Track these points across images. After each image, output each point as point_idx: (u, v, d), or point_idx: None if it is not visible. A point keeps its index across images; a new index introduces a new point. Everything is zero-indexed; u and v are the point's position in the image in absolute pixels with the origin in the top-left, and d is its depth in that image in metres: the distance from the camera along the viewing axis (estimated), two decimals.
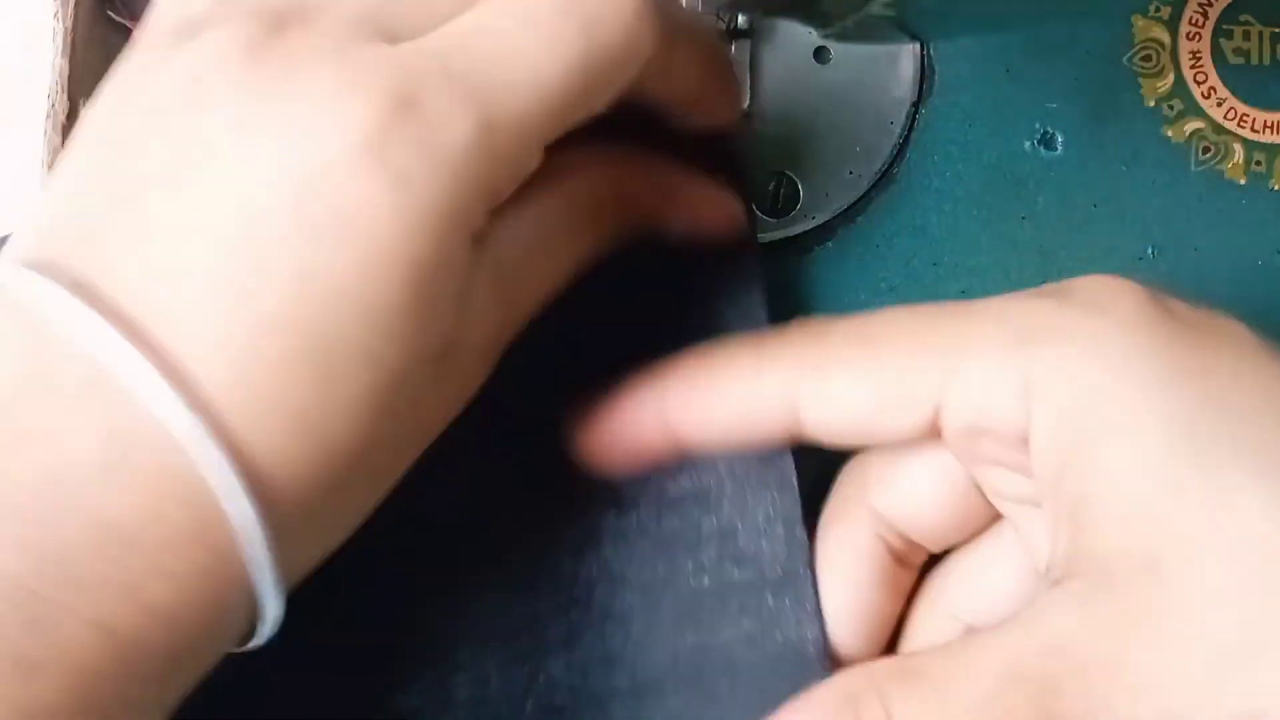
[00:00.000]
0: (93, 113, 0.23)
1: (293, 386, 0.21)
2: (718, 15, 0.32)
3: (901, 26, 0.32)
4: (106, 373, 0.20)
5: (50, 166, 0.31)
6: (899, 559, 0.28)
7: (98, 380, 0.20)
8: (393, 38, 0.23)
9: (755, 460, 0.28)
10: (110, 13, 0.32)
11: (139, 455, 0.20)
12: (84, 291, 0.20)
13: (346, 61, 0.22)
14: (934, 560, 0.28)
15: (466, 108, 0.22)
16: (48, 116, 0.31)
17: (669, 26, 0.24)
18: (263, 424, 0.21)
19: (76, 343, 0.20)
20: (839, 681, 0.24)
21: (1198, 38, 0.34)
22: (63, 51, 0.31)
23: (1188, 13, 0.34)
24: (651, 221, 0.28)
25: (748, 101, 0.33)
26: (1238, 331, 0.24)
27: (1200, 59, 0.34)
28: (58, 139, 0.31)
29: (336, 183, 0.21)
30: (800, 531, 0.28)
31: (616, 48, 0.23)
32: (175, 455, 0.20)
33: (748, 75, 0.33)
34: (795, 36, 0.33)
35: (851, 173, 0.33)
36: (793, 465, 0.28)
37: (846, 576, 0.27)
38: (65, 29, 0.31)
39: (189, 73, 0.22)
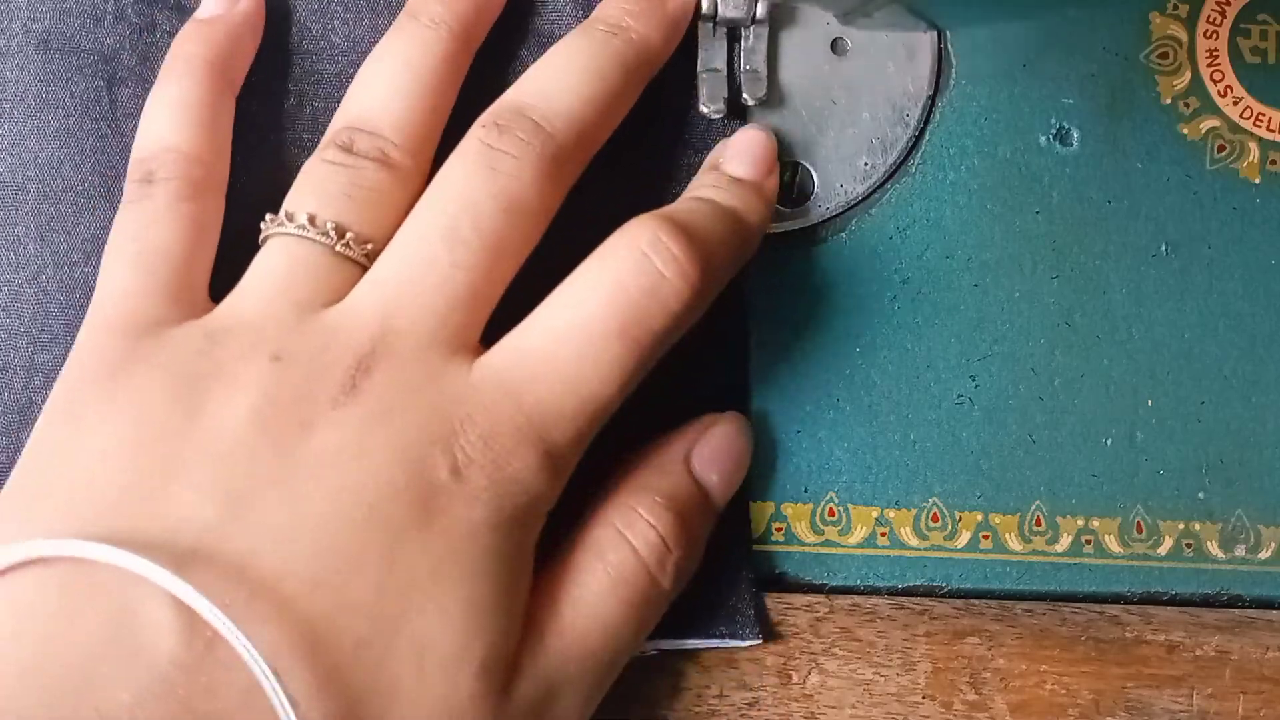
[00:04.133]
0: (134, 395, 0.26)
1: (364, 668, 0.24)
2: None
3: (920, 14, 0.32)
4: (195, 651, 0.23)
5: None
6: None
7: (185, 660, 0.23)
8: (467, 344, 0.27)
9: None
10: None
11: None
12: (181, 573, 0.23)
13: (438, 393, 0.26)
14: None
15: (533, 442, 0.26)
16: None
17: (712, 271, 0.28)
18: (337, 703, 0.24)
19: (168, 622, 0.23)
20: None
21: (1215, 36, 0.34)
22: None
23: (1205, 11, 0.34)
24: None
25: (764, 91, 0.33)
26: None
27: (1217, 57, 0.34)
28: None
29: (435, 493, 0.25)
30: None
31: (667, 336, 0.27)
32: None
33: (765, 65, 0.33)
34: (813, 27, 0.33)
35: (866, 164, 0.33)
36: None
37: None
38: None
39: (298, 409, 0.25)
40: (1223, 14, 0.34)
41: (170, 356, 0.26)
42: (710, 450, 0.30)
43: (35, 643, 0.23)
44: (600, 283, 0.27)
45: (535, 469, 0.26)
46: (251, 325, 0.27)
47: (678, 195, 0.32)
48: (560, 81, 0.29)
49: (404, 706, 0.24)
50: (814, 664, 0.31)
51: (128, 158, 0.30)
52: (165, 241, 0.28)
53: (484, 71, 0.32)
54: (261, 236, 0.28)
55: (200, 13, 0.31)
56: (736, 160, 0.32)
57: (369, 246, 0.28)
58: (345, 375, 0.26)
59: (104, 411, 0.25)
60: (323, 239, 0.27)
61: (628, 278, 0.27)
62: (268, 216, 0.28)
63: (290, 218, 0.28)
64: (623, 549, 0.28)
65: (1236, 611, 0.33)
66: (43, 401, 0.27)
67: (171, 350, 0.26)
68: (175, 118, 0.29)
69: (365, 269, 0.28)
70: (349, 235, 0.28)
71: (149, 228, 0.28)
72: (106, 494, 0.24)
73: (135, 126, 0.31)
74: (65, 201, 0.31)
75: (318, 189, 0.28)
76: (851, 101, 0.33)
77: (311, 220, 0.28)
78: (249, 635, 0.22)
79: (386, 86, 0.29)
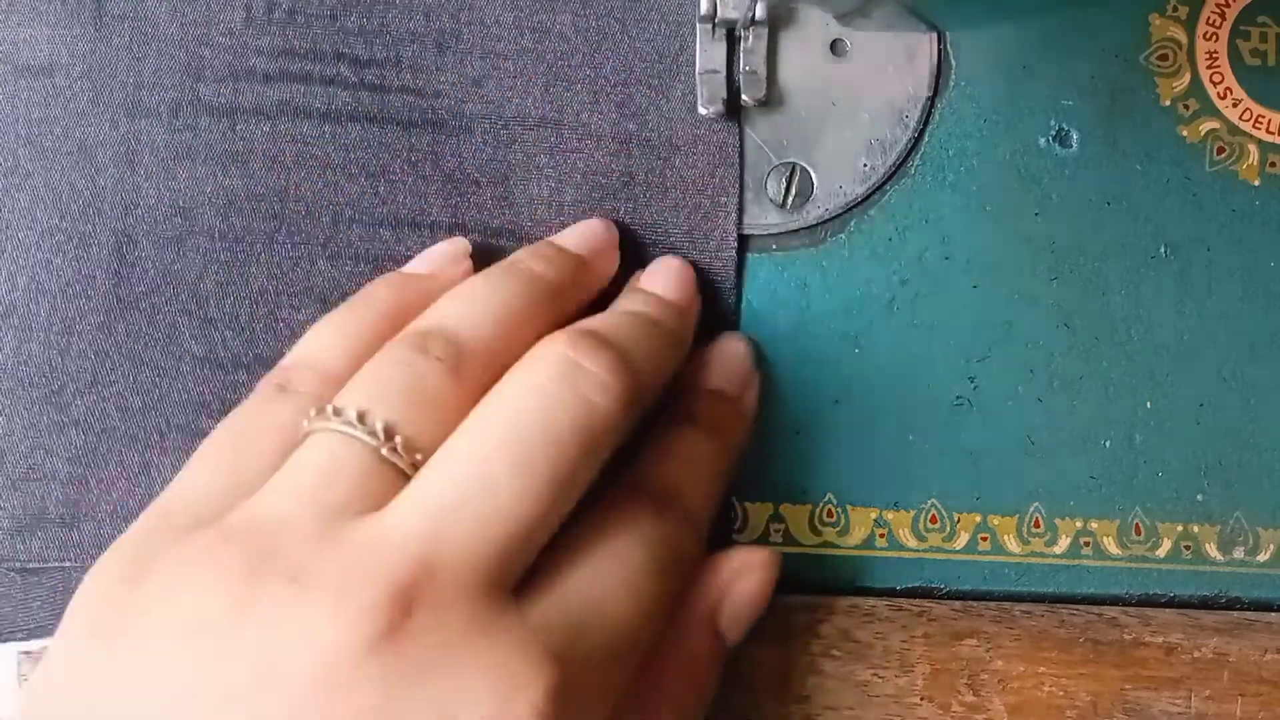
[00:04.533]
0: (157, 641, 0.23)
1: None
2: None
3: (919, 15, 0.32)
4: None
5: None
6: None
7: None
8: (512, 586, 0.24)
9: None
10: None
11: None
12: None
13: (494, 648, 0.23)
14: None
15: (597, 690, 0.24)
16: None
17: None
18: None
19: None
20: None
21: (1215, 38, 0.34)
22: None
23: (1205, 13, 0.34)
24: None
25: (763, 92, 0.33)
26: None
27: (1217, 59, 0.34)
28: None
29: None
30: None
31: (688, 566, 0.28)
32: None
33: (764, 66, 0.33)
34: (812, 28, 0.33)
35: (866, 165, 0.33)
36: None
37: None
38: None
39: (318, 652, 0.22)
40: (1222, 16, 0.34)
41: (185, 568, 0.23)
42: (739, 608, 0.29)
43: None
44: (638, 548, 0.27)
45: (594, 715, 0.25)
46: (269, 529, 0.24)
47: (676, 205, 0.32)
48: (636, 335, 0.28)
49: None
50: (812, 665, 0.31)
51: (115, 62, 0.32)
52: (263, 457, 0.26)
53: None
54: (304, 431, 0.26)
55: (412, 266, 0.31)
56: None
57: (418, 456, 0.25)
58: (379, 612, 0.22)
59: (116, 642, 0.23)
60: (369, 439, 0.25)
61: (661, 548, 0.27)
62: (313, 411, 0.26)
63: (338, 413, 0.25)
64: None
65: (1235, 613, 0.33)
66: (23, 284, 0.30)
67: (190, 557, 0.24)
68: (333, 342, 0.28)
69: (409, 479, 0.25)
70: (398, 439, 0.25)
71: (256, 437, 0.27)
72: None
73: (124, 32, 0.32)
74: (54, 106, 0.32)
75: (376, 385, 0.26)
76: (851, 103, 0.33)
77: (361, 418, 0.25)
78: None
79: (477, 303, 0.28)
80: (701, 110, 0.32)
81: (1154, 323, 0.34)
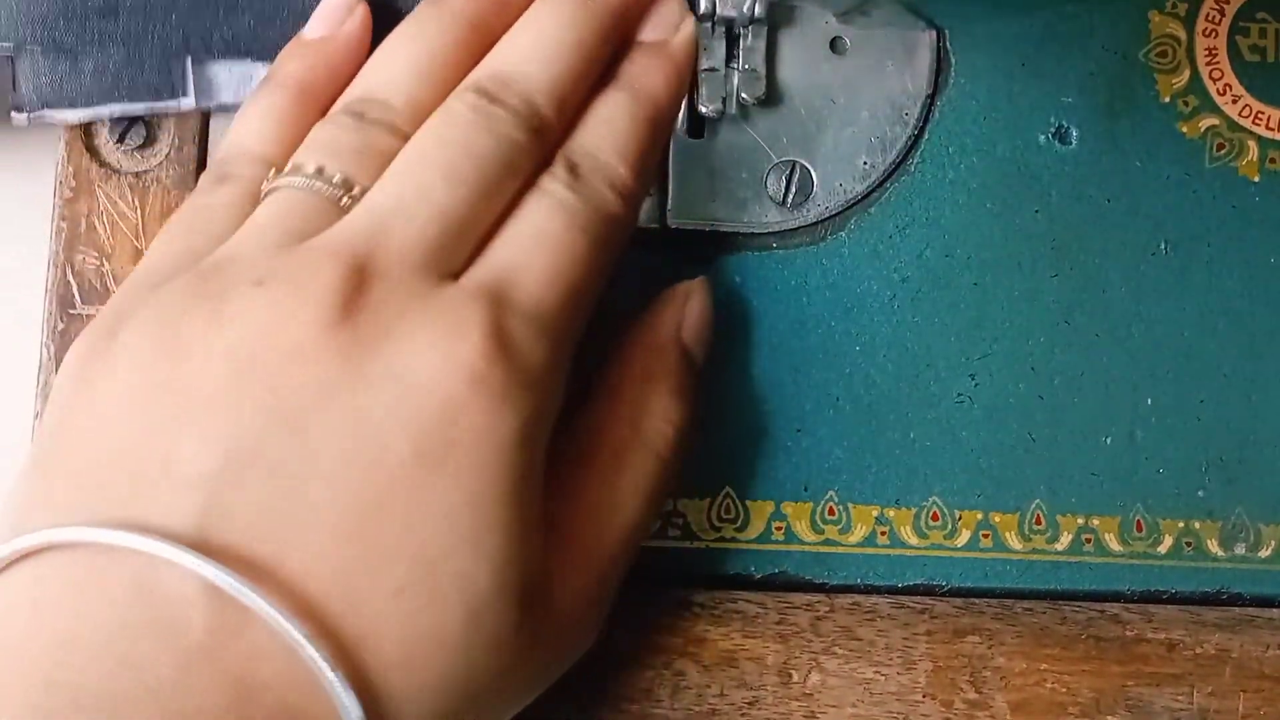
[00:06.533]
0: (129, 358, 0.25)
1: (404, 617, 0.24)
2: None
3: (919, 12, 0.32)
4: (228, 619, 0.23)
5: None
6: None
7: (219, 629, 0.22)
8: (451, 273, 0.26)
9: None
10: None
11: (264, 698, 0.22)
12: (202, 538, 0.23)
13: (434, 308, 0.25)
14: None
15: (538, 331, 0.26)
16: None
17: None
18: (378, 656, 0.23)
19: (195, 595, 0.23)
20: None
21: (1214, 34, 0.34)
22: None
23: (1204, 9, 0.34)
24: None
25: (763, 91, 0.33)
26: None
27: (1216, 55, 0.34)
28: None
29: (452, 417, 0.24)
30: None
31: (618, 227, 0.29)
32: (299, 696, 0.23)
33: (763, 64, 0.33)
34: (812, 25, 0.33)
35: (865, 163, 0.33)
36: None
37: None
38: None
39: (285, 336, 0.24)
40: (1222, 12, 0.34)
41: (162, 302, 0.25)
42: (695, 322, 0.31)
43: (63, 626, 0.22)
44: (555, 212, 0.28)
45: (547, 362, 0.26)
46: (239, 258, 0.26)
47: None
48: (542, 53, 0.29)
49: (452, 652, 0.24)
50: (814, 663, 0.31)
51: None
52: (215, 231, 0.28)
53: None
54: (264, 192, 0.28)
55: (306, 32, 0.31)
56: None
57: None
58: (334, 294, 0.24)
59: (103, 373, 0.25)
60: (329, 189, 0.27)
61: (580, 208, 0.28)
62: (270, 172, 0.28)
63: (297, 169, 0.27)
64: (647, 453, 0.29)
65: (1237, 610, 0.33)
66: None
67: (164, 295, 0.26)
68: (258, 126, 0.30)
69: None
70: (356, 189, 0.27)
71: (205, 218, 0.28)
72: (112, 465, 0.24)
73: None
74: None
75: (327, 146, 0.28)
76: (851, 100, 0.33)
77: (319, 171, 0.27)
78: (277, 600, 0.22)
79: (402, 65, 0.29)
80: (701, 109, 0.32)
81: (1154, 319, 0.34)
